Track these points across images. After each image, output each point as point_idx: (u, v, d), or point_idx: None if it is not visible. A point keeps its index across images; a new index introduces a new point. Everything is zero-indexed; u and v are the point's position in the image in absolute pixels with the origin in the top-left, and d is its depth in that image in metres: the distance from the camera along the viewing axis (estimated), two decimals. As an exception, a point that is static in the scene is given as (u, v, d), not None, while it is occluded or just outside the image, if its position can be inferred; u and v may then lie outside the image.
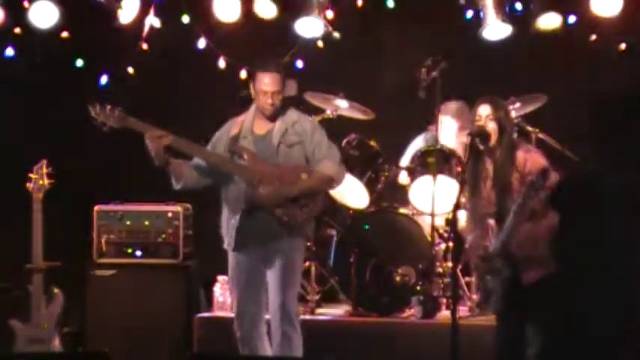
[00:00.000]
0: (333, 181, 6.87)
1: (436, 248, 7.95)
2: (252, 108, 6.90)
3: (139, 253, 8.07)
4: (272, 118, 6.81)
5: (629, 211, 7.06)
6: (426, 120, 8.26)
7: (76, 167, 8.58)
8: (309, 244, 7.66)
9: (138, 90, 8.46)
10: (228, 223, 6.83)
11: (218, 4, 8.59)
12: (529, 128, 8.01)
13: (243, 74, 8.50)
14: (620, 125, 7.67)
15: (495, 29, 8.29)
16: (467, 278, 7.82)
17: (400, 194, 8.16)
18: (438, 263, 7.94)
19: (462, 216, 6.83)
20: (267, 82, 6.76)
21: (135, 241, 8.07)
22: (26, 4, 8.58)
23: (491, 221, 6.35)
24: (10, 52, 8.80)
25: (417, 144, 8.45)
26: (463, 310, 7.64)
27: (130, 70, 8.73)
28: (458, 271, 7.08)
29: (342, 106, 8.20)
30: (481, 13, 8.33)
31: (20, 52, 8.81)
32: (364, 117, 8.30)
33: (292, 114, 6.89)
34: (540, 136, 8.02)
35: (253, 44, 8.48)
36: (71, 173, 8.32)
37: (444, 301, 7.89)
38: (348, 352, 7.58)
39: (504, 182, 6.26)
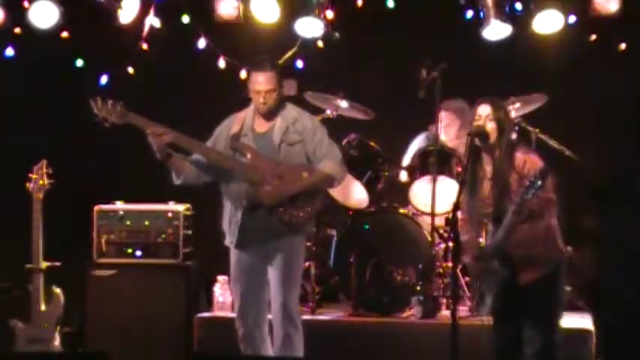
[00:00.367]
0: (334, 180, 6.86)
1: (436, 248, 7.96)
2: (253, 105, 6.91)
3: (139, 253, 8.07)
4: (267, 116, 6.81)
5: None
6: (426, 120, 8.27)
7: (76, 167, 8.58)
8: (309, 244, 7.66)
9: (138, 90, 8.45)
10: (231, 220, 6.83)
11: (218, 4, 8.60)
12: (529, 128, 8.01)
13: (243, 74, 8.50)
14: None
15: (495, 29, 8.29)
16: (467, 278, 7.82)
17: (400, 194, 8.17)
18: (438, 263, 7.94)
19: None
20: (259, 82, 6.76)
21: (135, 241, 8.07)
22: (26, 4, 8.58)
23: (488, 222, 6.36)
24: (10, 52, 8.81)
25: (417, 144, 8.46)
26: (463, 310, 7.63)
27: (130, 70, 8.73)
28: (458, 271, 7.07)
29: (342, 106, 8.20)
30: (481, 13, 8.33)
31: (20, 52, 8.81)
32: (364, 117, 8.30)
33: (292, 111, 6.88)
34: (540, 136, 8.02)
35: (253, 44, 8.49)
36: (71, 173, 8.32)
37: (444, 301, 7.90)
38: (348, 352, 7.59)
39: (503, 183, 6.26)
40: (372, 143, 8.14)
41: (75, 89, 8.24)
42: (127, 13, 8.51)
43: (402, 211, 8.06)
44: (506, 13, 8.27)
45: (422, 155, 8.02)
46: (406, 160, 8.41)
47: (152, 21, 8.64)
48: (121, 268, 8.03)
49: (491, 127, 6.32)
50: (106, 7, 8.47)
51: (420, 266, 7.83)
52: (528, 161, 6.26)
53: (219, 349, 7.62)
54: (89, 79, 8.62)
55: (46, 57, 8.81)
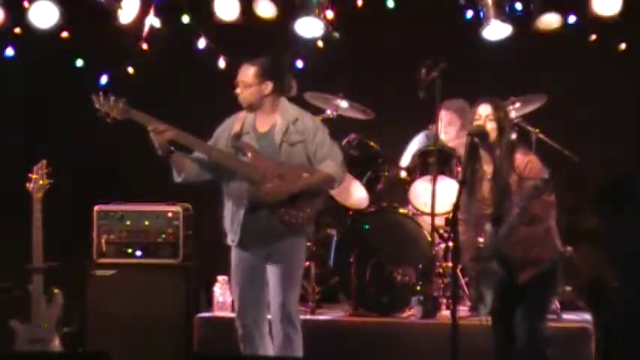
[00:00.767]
0: (334, 181, 6.86)
1: (436, 248, 7.96)
2: (254, 104, 6.92)
3: (139, 253, 8.07)
4: (248, 109, 6.80)
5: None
6: (427, 120, 8.27)
7: (76, 167, 8.59)
8: (309, 244, 7.66)
9: (138, 90, 8.45)
10: (233, 219, 6.81)
11: (218, 4, 8.59)
12: (529, 128, 8.01)
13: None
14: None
15: (495, 29, 8.29)
16: (467, 278, 7.82)
17: (400, 194, 8.17)
18: (438, 263, 7.94)
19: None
20: (239, 72, 6.80)
21: (135, 241, 8.07)
22: (26, 4, 8.58)
23: (486, 222, 6.36)
24: (10, 52, 8.81)
25: (417, 143, 8.46)
26: (463, 310, 7.63)
27: (130, 70, 8.73)
28: (458, 271, 7.07)
29: (342, 106, 8.20)
30: (481, 13, 8.33)
31: (20, 52, 8.81)
32: (364, 117, 8.31)
33: (292, 110, 6.87)
34: (540, 136, 8.02)
35: (253, 44, 8.48)
36: (71, 173, 8.32)
37: (444, 301, 7.90)
38: (348, 352, 7.59)
39: (503, 183, 6.26)
40: (372, 143, 8.14)
41: (75, 89, 8.24)
42: (127, 13, 8.51)
43: (402, 211, 8.06)
44: (506, 13, 8.27)
45: (422, 155, 8.02)
46: (405, 160, 8.41)
47: (152, 21, 8.64)
48: (121, 268, 8.03)
49: (491, 126, 6.33)
50: (106, 7, 8.48)
51: (420, 266, 7.83)
52: (529, 164, 6.26)
53: (219, 349, 7.62)
54: (89, 79, 8.62)
55: (46, 57, 8.81)
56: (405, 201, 8.06)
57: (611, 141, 8.52)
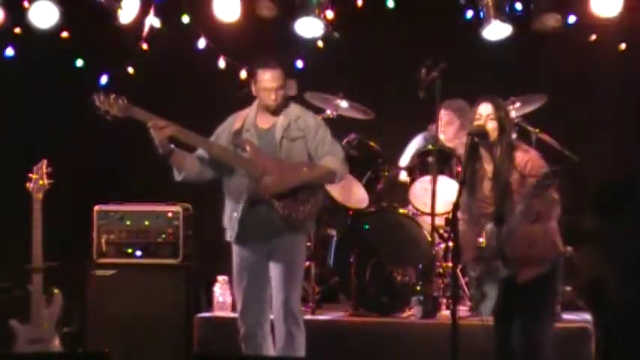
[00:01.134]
0: (334, 175, 6.86)
1: (436, 248, 7.96)
2: (255, 103, 6.92)
3: (139, 253, 8.07)
4: (276, 112, 6.83)
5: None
6: (426, 120, 8.27)
7: (76, 167, 8.58)
8: (309, 243, 7.66)
9: (138, 90, 8.45)
10: (231, 215, 6.83)
11: (218, 4, 8.59)
12: (529, 128, 8.00)
13: (243, 74, 8.50)
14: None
15: (495, 29, 8.29)
16: (467, 278, 7.81)
17: (400, 194, 8.17)
18: (438, 263, 7.94)
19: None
20: (268, 79, 6.79)
21: (135, 241, 8.07)
22: (26, 4, 8.58)
23: (487, 222, 6.35)
24: (10, 52, 8.81)
25: (417, 143, 8.46)
26: (463, 310, 7.63)
27: (130, 70, 8.73)
28: (458, 271, 7.07)
29: (342, 106, 8.20)
30: (481, 13, 8.33)
31: (20, 52, 8.81)
32: (364, 117, 8.31)
33: (295, 109, 6.92)
34: (540, 136, 8.02)
35: (253, 44, 8.49)
36: (71, 173, 8.31)
37: (444, 301, 7.90)
38: (348, 352, 7.59)
39: (504, 183, 6.26)
40: (372, 143, 8.14)
41: (75, 89, 8.24)
42: (127, 13, 8.51)
43: (402, 211, 8.06)
44: (506, 13, 8.27)
45: (421, 155, 8.02)
46: (404, 160, 8.41)
47: (152, 21, 8.64)
48: (121, 268, 8.03)
49: (491, 126, 6.32)
50: (106, 7, 8.47)
51: (420, 266, 7.83)
52: (530, 161, 6.26)
53: (219, 349, 7.62)
54: (89, 79, 8.62)
55: (46, 57, 8.81)
56: (405, 201, 8.06)
57: (611, 141, 8.52)
